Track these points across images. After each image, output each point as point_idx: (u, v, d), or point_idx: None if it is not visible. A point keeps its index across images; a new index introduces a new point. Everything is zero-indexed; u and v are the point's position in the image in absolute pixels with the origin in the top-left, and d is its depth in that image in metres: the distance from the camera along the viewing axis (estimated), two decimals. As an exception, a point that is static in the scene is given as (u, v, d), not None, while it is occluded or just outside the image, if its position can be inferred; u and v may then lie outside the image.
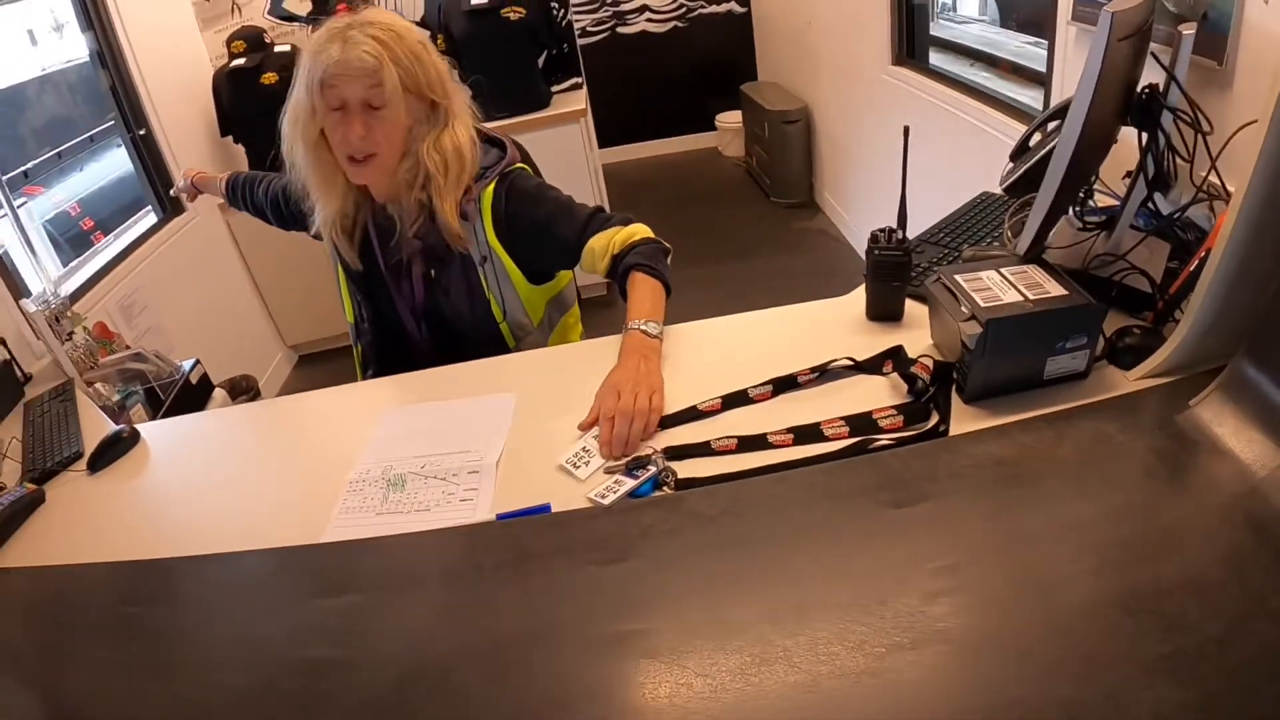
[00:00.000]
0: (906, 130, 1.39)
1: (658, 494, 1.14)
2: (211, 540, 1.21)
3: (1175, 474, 1.03)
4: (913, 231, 1.56)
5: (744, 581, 0.97)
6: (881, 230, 1.39)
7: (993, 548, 0.96)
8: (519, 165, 1.63)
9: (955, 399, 1.20)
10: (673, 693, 0.83)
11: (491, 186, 1.56)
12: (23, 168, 3.00)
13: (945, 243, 1.66)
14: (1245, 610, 0.81)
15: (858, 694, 0.80)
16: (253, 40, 3.77)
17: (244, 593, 1.13)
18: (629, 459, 1.19)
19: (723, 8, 5.86)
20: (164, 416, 2.22)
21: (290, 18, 3.99)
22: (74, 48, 3.30)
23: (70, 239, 3.22)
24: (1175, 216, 1.34)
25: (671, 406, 1.30)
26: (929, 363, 1.23)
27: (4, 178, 2.78)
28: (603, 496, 1.13)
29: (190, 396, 2.48)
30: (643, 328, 1.40)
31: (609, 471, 1.19)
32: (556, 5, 3.89)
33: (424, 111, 1.49)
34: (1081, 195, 1.43)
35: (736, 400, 1.27)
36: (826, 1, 4.26)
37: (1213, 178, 1.23)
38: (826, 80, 4.47)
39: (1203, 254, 1.15)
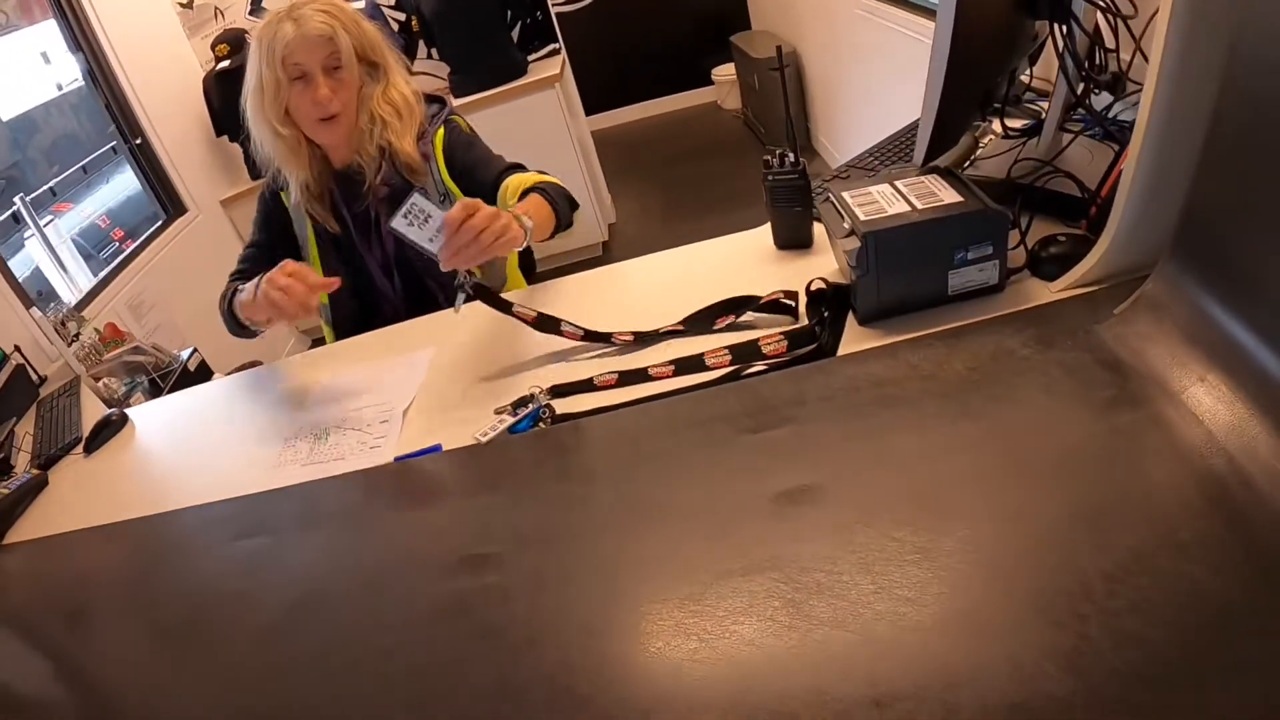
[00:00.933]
0: (779, 49, 1.36)
1: (535, 429, 1.18)
2: (178, 498, 1.37)
3: (1081, 389, 0.92)
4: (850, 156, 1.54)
5: (588, 509, 1.01)
6: (772, 154, 1.36)
7: (850, 472, 0.92)
8: (457, 117, 1.82)
9: (851, 323, 1.16)
10: (506, 609, 0.90)
11: (441, 129, 1.75)
12: (47, 185, 3.12)
13: (870, 165, 1.62)
14: (1146, 542, 0.72)
15: (675, 617, 0.80)
16: (234, 42, 3.88)
17: (191, 538, 1.29)
18: (468, 284, 1.35)
19: (709, -42, 5.77)
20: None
21: (270, 17, 4.05)
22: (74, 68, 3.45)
23: (100, 248, 3.35)
24: (1107, 114, 1.28)
25: (578, 359, 1.32)
26: (824, 285, 1.20)
27: (29, 198, 2.91)
28: (484, 435, 1.18)
29: (190, 383, 2.55)
30: (520, 219, 1.38)
31: (497, 412, 1.23)
32: (524, -27, 3.89)
33: (368, 71, 1.66)
34: (1001, 103, 1.38)
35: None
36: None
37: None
38: (809, 22, 4.39)
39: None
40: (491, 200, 1.63)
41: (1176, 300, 0.93)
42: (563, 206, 1.56)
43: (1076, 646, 0.66)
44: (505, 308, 1.35)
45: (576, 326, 1.32)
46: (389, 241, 1.73)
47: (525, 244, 1.37)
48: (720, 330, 1.25)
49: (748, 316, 1.26)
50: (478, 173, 1.71)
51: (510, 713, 0.77)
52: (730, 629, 0.77)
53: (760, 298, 1.25)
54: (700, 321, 1.29)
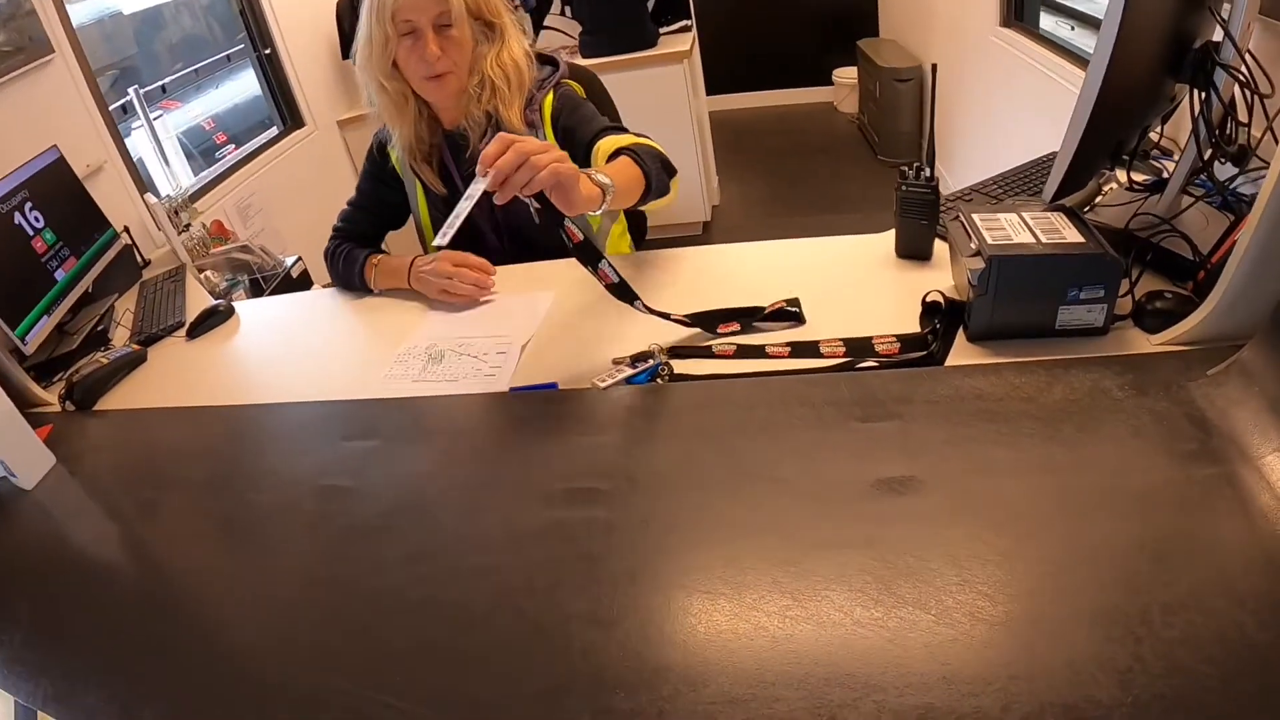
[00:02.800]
0: (934, 67, 1.41)
1: (653, 384, 1.24)
2: (279, 393, 1.45)
3: (1166, 438, 0.96)
4: (972, 181, 1.58)
5: (697, 463, 1.07)
6: (909, 166, 1.41)
7: (946, 472, 0.97)
8: (570, 81, 1.77)
9: (961, 338, 1.22)
10: (608, 541, 0.96)
11: (551, 95, 1.71)
12: (159, 83, 3.22)
13: (994, 193, 1.66)
14: (1205, 584, 0.77)
15: (772, 575, 0.86)
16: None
17: (294, 432, 1.35)
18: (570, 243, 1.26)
19: (849, -39, 5.75)
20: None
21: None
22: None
23: (203, 151, 3.46)
24: (1229, 185, 1.31)
25: (694, 330, 1.36)
26: (941, 298, 1.26)
27: (141, 91, 2.98)
28: (602, 381, 1.25)
29: (290, 289, 2.66)
30: (591, 173, 1.30)
31: (616, 362, 1.29)
32: (666, -54, 3.92)
33: (483, 31, 1.64)
34: (1130, 155, 1.41)
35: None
36: (946, -44, 4.17)
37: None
38: (940, 40, 4.39)
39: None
40: (586, 163, 1.59)
41: (1267, 372, 0.98)
42: (654, 170, 1.49)
43: (1129, 665, 0.72)
44: (594, 263, 1.30)
45: (647, 307, 1.33)
46: (506, 206, 1.73)
47: (604, 205, 1.28)
48: (830, 357, 1.26)
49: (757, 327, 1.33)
50: (577, 133, 1.67)
51: (601, 640, 0.84)
52: (822, 593, 0.83)
53: (765, 309, 1.33)
54: (707, 321, 1.34)
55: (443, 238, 1.12)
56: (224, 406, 1.45)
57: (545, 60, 1.79)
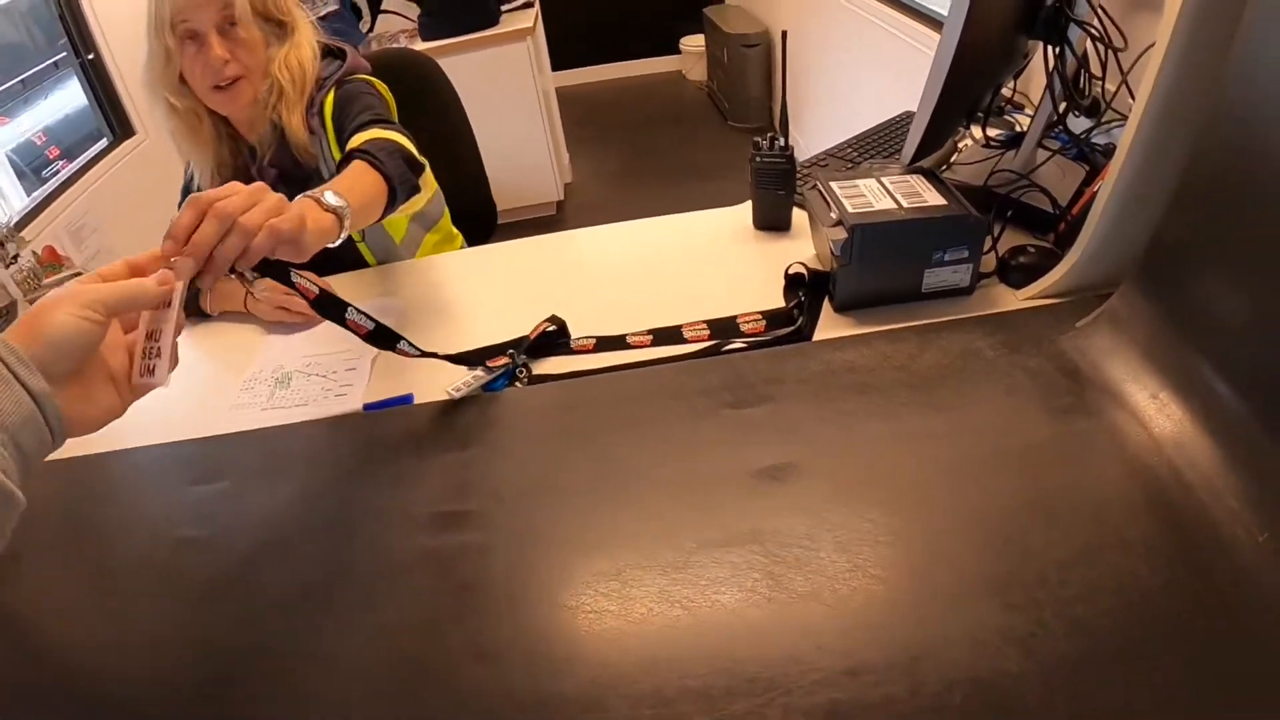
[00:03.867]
0: (784, 35, 1.39)
1: (510, 388, 1.18)
2: (122, 437, 1.30)
3: (1041, 394, 0.97)
4: (827, 145, 1.57)
5: (568, 471, 1.01)
6: (763, 137, 1.39)
7: (825, 453, 0.95)
8: (360, 76, 1.60)
9: (827, 309, 1.20)
10: (479, 569, 0.90)
11: (331, 94, 1.54)
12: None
13: (850, 156, 1.65)
14: (1096, 539, 0.78)
15: (658, 584, 0.82)
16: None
17: (138, 481, 1.23)
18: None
19: (690, -75, 5.75)
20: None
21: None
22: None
23: (35, 168, 3.23)
24: (1086, 137, 1.34)
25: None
26: (804, 270, 1.24)
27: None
28: (457, 390, 1.17)
29: (133, 316, 2.51)
30: (319, 196, 1.10)
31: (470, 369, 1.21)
32: (503, -78, 3.85)
33: (274, 32, 1.49)
34: (985, 113, 1.42)
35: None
36: (784, -82, 4.20)
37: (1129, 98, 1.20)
38: (787, 4, 4.41)
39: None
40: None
41: (1136, 320, 0.99)
42: (396, 170, 1.31)
43: (1031, 630, 0.71)
44: (341, 314, 1.06)
45: (414, 347, 1.14)
46: None
47: (342, 234, 1.10)
48: (694, 342, 1.21)
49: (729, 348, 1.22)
50: (343, 134, 1.49)
51: (489, 675, 0.78)
52: (712, 598, 0.79)
53: (529, 336, 1.23)
54: (474, 358, 1.21)
55: (158, 377, 0.84)
56: (64, 458, 1.31)
57: (331, 53, 1.62)
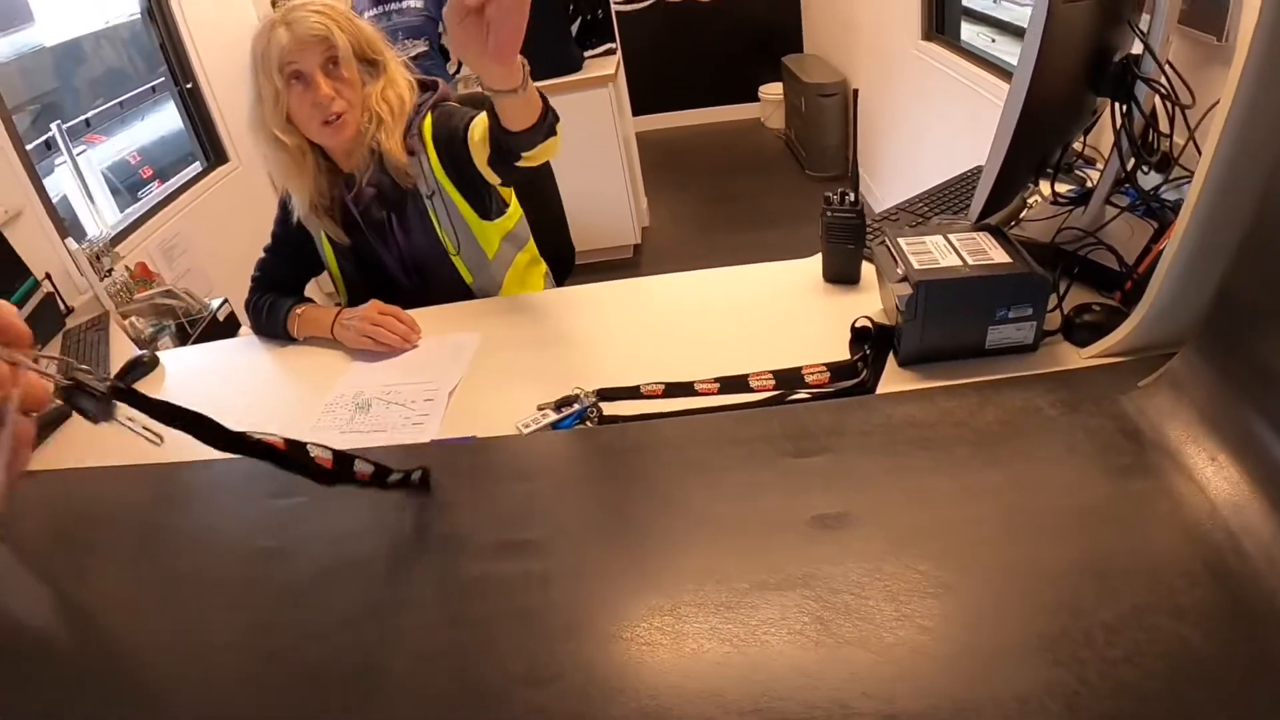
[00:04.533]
0: (855, 92, 1.42)
1: (580, 428, 1.22)
2: (204, 449, 1.33)
3: (1100, 453, 0.97)
4: (899, 199, 1.59)
5: (630, 508, 1.05)
6: (834, 192, 1.42)
7: (881, 504, 0.97)
8: (451, 102, 1.75)
9: (891, 362, 1.22)
10: (544, 595, 0.92)
11: (429, 117, 1.68)
12: (83, 116, 3.15)
13: (920, 211, 1.67)
14: (1147, 602, 0.77)
15: (710, 622, 0.84)
16: (295, -1, 3.87)
17: (220, 492, 1.30)
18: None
19: (771, -24, 5.83)
20: (190, 350, 2.37)
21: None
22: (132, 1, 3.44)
23: (129, 185, 3.39)
24: (1154, 194, 1.33)
25: (619, 366, 1.35)
26: (870, 324, 1.26)
27: (64, 126, 2.92)
28: (526, 426, 1.22)
29: (218, 333, 2.61)
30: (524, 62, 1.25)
31: (540, 407, 1.26)
32: (593, -31, 3.95)
33: (368, 70, 1.62)
34: (1054, 169, 1.43)
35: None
36: (866, -27, 4.25)
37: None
38: (864, 54, 4.44)
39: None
40: (469, 158, 1.61)
41: (1198, 382, 0.98)
42: (548, 104, 1.43)
43: (1075, 689, 0.71)
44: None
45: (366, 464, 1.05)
46: (404, 238, 1.74)
47: (521, 87, 1.25)
48: (760, 388, 1.24)
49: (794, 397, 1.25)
50: (455, 136, 1.64)
51: (543, 698, 0.81)
52: (761, 638, 0.81)
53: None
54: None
55: None
56: (152, 465, 1.37)
57: (425, 86, 1.76)
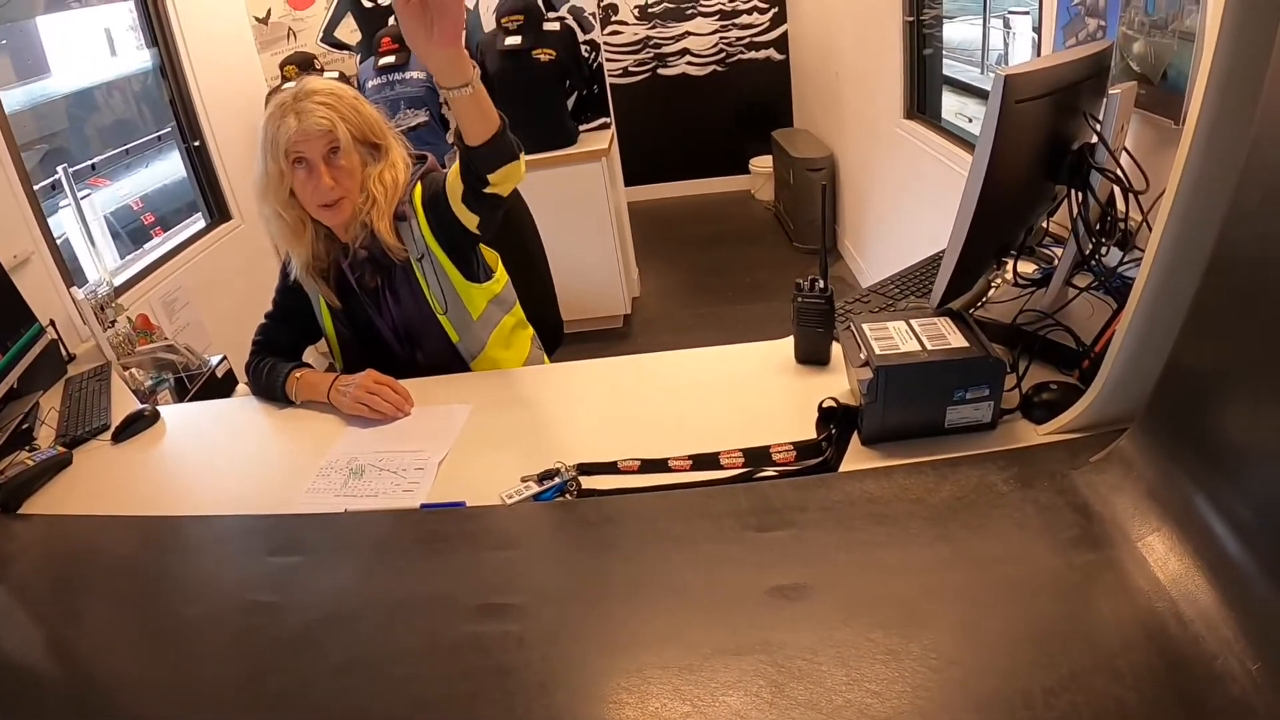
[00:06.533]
0: (824, 189, 1.49)
1: (560, 499, 1.29)
2: (204, 504, 1.46)
3: (1049, 527, 1.03)
4: (883, 275, 1.65)
5: (604, 577, 1.12)
6: (804, 279, 1.49)
7: (837, 576, 1.03)
8: (436, 172, 1.83)
9: (855, 440, 1.28)
10: (516, 656, 0.99)
11: (419, 185, 1.78)
12: (90, 161, 3.24)
13: (892, 294, 1.75)
14: (1086, 664, 0.83)
15: (673, 684, 0.91)
16: (304, 65, 4.02)
17: (218, 546, 1.37)
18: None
19: (762, 54, 5.99)
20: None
21: (340, 45, 4.27)
22: (144, 54, 3.56)
23: (131, 232, 3.47)
24: (1114, 272, 1.38)
25: (599, 440, 1.43)
26: (835, 404, 1.33)
27: (70, 170, 2.98)
28: (510, 497, 1.29)
29: (215, 389, 2.65)
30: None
31: (524, 479, 1.32)
32: (587, 48, 4.08)
33: (369, 152, 1.73)
34: (1016, 251, 1.50)
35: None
36: (852, 53, 4.38)
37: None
38: (850, 130, 4.56)
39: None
40: (448, 207, 1.68)
41: (1145, 458, 1.05)
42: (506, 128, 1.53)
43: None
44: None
45: None
46: (395, 306, 1.83)
47: (469, 84, 1.37)
48: (729, 465, 1.31)
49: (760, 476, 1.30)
50: (439, 194, 1.72)
51: (515, 752, 0.88)
52: (720, 699, 0.88)
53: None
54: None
55: None
56: (150, 517, 1.45)
57: (417, 159, 1.86)
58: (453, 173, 1.64)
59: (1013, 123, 1.14)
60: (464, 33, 1.30)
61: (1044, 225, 1.67)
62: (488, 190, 1.58)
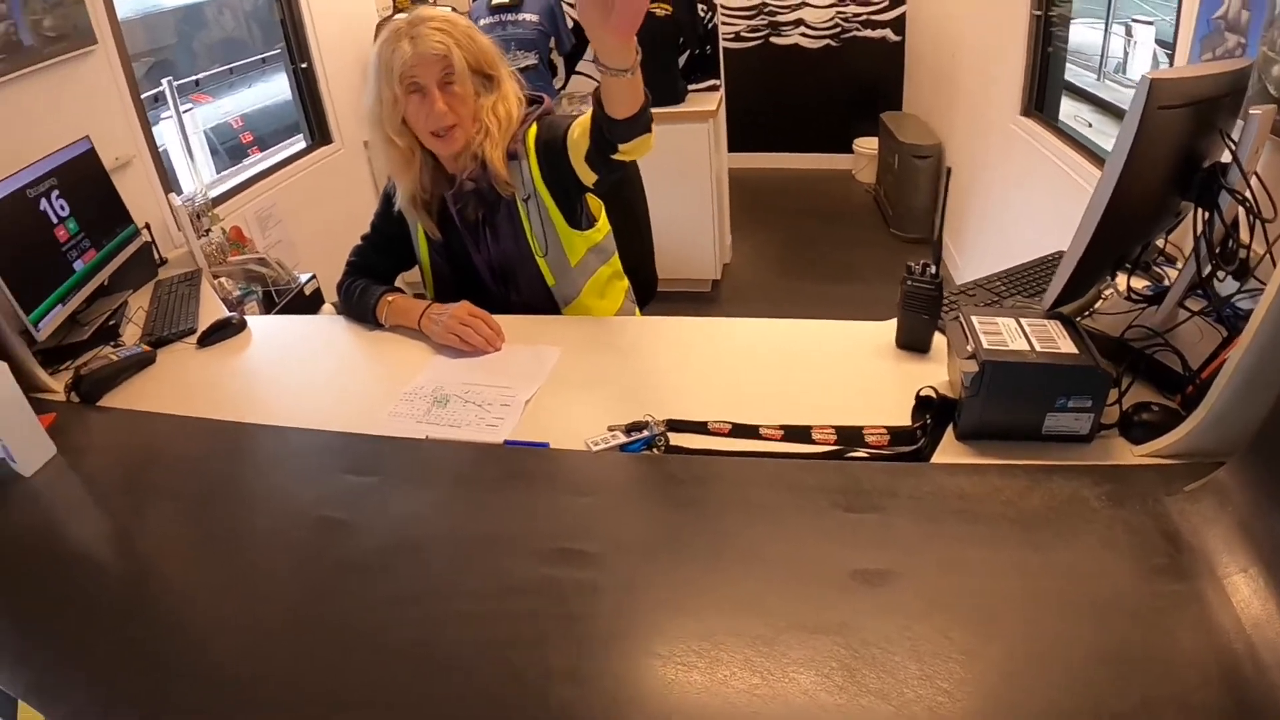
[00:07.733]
0: (949, 171, 1.45)
1: (646, 454, 1.28)
2: (284, 416, 1.48)
3: (1137, 550, 1.00)
4: (979, 274, 1.61)
5: (684, 535, 1.12)
6: (916, 262, 1.46)
7: (921, 568, 1.01)
8: (555, 115, 1.81)
9: (950, 434, 1.26)
10: (588, 604, 1.00)
11: (534, 127, 1.76)
12: (193, 77, 3.30)
13: (997, 290, 1.70)
14: (1158, 694, 0.81)
15: (744, 653, 0.90)
16: (419, -1, 3.99)
17: (294, 459, 1.39)
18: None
19: (878, 33, 5.85)
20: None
21: (455, -20, 4.22)
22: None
23: (229, 149, 3.53)
24: (1228, 301, 1.35)
25: (690, 399, 1.40)
26: (934, 394, 1.30)
27: (175, 83, 3.04)
28: (595, 444, 1.29)
29: (302, 305, 2.71)
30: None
31: (611, 428, 1.32)
32: (704, 8, 4.03)
33: (482, 83, 1.71)
34: (1132, 264, 1.46)
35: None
36: (973, 42, 4.27)
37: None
38: (962, 121, 4.45)
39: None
40: (566, 159, 1.67)
41: (1243, 494, 1.02)
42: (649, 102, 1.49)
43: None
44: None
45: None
46: (494, 243, 1.81)
47: (632, 65, 1.34)
48: (821, 440, 1.29)
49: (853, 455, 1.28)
50: (555, 141, 1.71)
51: (577, 696, 0.88)
52: (790, 675, 0.87)
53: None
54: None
55: None
56: (228, 421, 1.48)
57: (533, 101, 1.84)
58: (579, 127, 1.62)
59: (1152, 127, 1.10)
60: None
61: (1160, 243, 1.61)
62: (615, 157, 1.57)
